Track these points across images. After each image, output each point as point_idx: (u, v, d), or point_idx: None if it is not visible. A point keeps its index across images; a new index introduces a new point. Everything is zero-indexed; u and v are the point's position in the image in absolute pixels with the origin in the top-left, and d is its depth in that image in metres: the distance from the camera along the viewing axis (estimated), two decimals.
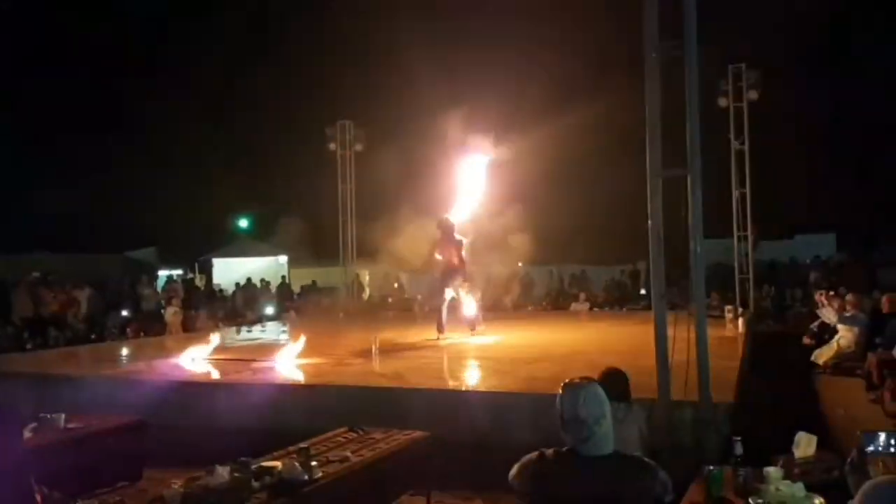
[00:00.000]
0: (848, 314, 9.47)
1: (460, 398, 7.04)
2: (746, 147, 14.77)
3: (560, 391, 3.02)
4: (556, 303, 20.72)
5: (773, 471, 3.45)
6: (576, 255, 23.71)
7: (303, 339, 10.60)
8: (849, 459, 3.28)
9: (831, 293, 10.30)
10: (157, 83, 29.56)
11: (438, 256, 12.06)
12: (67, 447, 5.70)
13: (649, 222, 6.11)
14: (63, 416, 5.99)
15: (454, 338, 11.82)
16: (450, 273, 11.99)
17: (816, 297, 10.28)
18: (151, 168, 28.85)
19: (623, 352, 9.13)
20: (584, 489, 2.83)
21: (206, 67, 30.10)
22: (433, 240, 12.20)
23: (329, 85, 27.74)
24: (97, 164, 28.11)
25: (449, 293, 12.00)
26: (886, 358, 8.09)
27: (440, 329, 11.86)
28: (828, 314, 9.64)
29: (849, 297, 10.01)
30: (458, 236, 11.96)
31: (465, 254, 11.98)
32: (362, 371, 9.20)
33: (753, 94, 14.53)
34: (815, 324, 10.98)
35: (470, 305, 12.33)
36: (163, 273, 24.36)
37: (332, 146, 17.11)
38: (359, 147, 17.20)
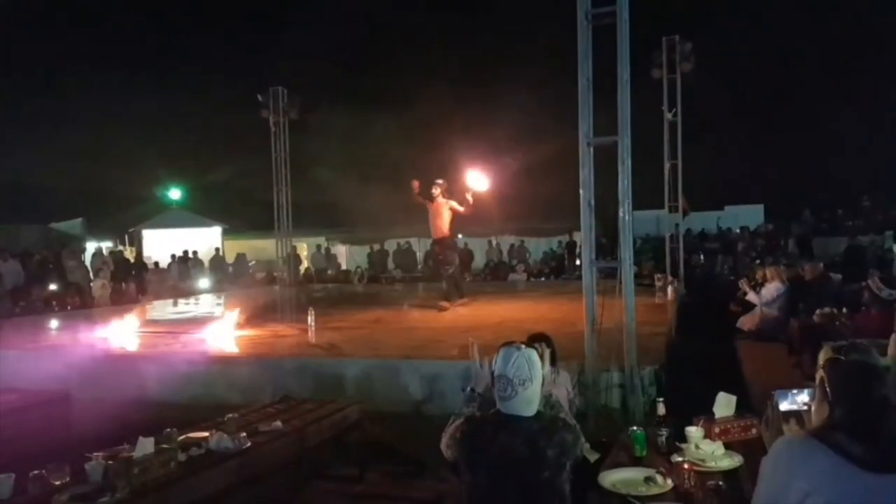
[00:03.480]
0: (769, 297, 9.76)
1: (394, 367, 7.03)
2: (679, 119, 14.96)
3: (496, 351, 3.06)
4: (495, 273, 20.89)
5: (693, 430, 3.54)
6: (514, 226, 23.94)
7: (236, 311, 10.44)
8: (764, 417, 3.40)
9: (751, 283, 10.56)
10: (85, 49, 28.51)
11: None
12: None
13: (581, 191, 6.15)
14: None
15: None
16: (436, 243, 11.93)
17: (741, 283, 10.59)
18: (78, 137, 27.86)
19: (556, 319, 9.26)
20: (507, 447, 2.86)
21: (135, 32, 29.14)
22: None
23: (262, 50, 27.19)
24: (18, 131, 26.99)
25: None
26: (808, 323, 8.37)
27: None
28: (753, 298, 9.99)
29: (769, 270, 10.32)
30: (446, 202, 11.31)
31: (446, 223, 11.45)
32: (297, 342, 9.12)
33: (687, 66, 14.68)
34: (741, 292, 11.30)
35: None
36: (91, 245, 23.60)
37: (264, 113, 16.66)
38: (293, 114, 16.80)
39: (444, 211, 11.31)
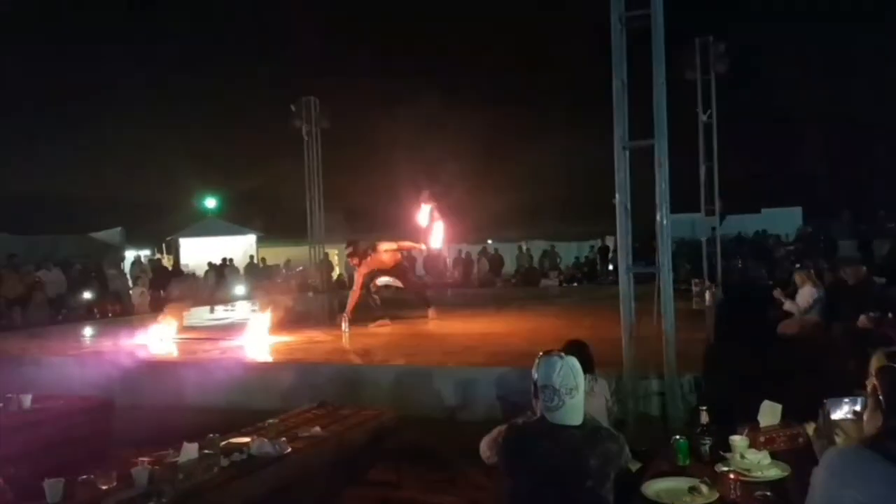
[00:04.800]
0: (805, 304, 9.61)
1: (428, 374, 7.03)
2: (714, 120, 14.78)
3: (537, 359, 3.03)
4: (526, 279, 20.80)
5: (738, 439, 3.47)
6: (545, 231, 23.85)
7: (272, 317, 10.53)
8: (815, 426, 3.32)
9: (784, 294, 10.39)
10: (123, 62, 29.08)
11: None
12: (34, 427, 5.61)
13: (616, 195, 6.11)
14: (29, 396, 5.89)
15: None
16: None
17: (775, 293, 10.43)
18: (117, 149, 28.40)
19: (591, 325, 9.18)
20: (553, 456, 2.84)
21: (171, 44, 29.60)
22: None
23: (294, 60, 27.47)
24: (59, 143, 27.59)
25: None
26: (851, 328, 8.22)
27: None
28: (790, 307, 9.85)
29: (798, 275, 10.15)
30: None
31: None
32: (332, 349, 9.18)
33: (721, 67, 14.48)
34: (778, 301, 11.12)
35: None
36: (129, 254, 24.02)
37: (297, 123, 16.81)
38: (325, 124, 16.93)
39: (367, 270, 11.36)
